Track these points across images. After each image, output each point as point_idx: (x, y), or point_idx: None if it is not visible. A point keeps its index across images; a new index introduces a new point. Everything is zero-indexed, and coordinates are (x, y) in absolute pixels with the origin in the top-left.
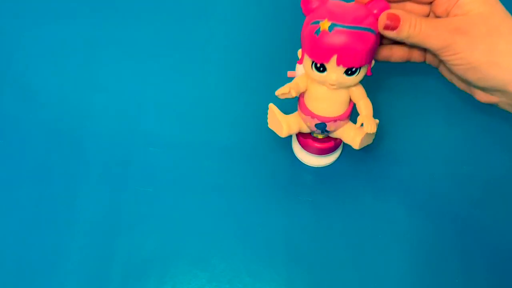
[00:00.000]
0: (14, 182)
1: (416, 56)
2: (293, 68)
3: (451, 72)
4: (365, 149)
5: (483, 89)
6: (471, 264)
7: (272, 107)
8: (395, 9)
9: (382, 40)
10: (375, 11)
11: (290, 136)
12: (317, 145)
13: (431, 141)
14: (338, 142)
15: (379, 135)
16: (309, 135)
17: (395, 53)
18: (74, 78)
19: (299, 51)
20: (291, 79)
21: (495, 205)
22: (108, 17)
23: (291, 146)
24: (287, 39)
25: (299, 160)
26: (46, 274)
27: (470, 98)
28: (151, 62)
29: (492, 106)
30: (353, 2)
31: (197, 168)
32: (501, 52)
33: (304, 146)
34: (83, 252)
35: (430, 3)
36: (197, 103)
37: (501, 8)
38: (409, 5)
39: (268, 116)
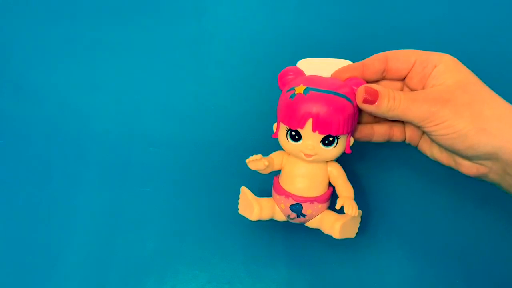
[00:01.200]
0: (14, 182)
1: (397, 134)
2: None
3: (432, 147)
4: (365, 148)
5: (471, 158)
6: (472, 265)
7: (244, 189)
8: (372, 84)
9: (363, 119)
10: (354, 88)
11: None
12: None
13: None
14: None
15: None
16: None
17: (377, 132)
18: (74, 78)
19: (274, 125)
20: None
21: (494, 210)
22: (108, 17)
23: None
24: (288, 38)
25: None
26: (45, 274)
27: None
28: (151, 62)
29: (480, 180)
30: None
31: (196, 168)
32: (487, 118)
33: None
34: (83, 252)
35: (403, 79)
36: (197, 103)
37: (475, 77)
38: (382, 83)
39: (240, 200)
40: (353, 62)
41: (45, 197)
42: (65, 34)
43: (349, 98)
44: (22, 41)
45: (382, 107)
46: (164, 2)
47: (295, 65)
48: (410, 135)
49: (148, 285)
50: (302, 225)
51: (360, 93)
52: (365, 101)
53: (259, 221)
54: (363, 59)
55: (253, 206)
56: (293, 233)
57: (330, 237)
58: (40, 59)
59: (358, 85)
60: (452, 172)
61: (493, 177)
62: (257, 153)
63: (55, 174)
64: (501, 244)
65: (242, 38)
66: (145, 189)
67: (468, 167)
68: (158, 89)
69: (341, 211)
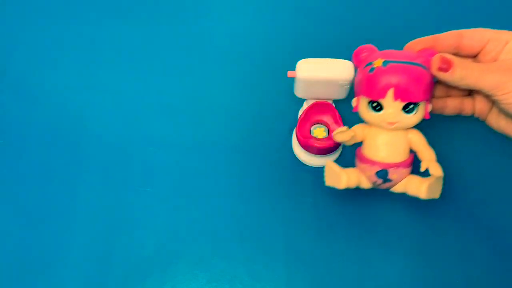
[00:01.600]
0: (14, 182)
1: (468, 107)
2: (293, 68)
3: (499, 119)
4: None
5: None
6: (471, 264)
7: (329, 162)
8: (446, 54)
9: (436, 92)
10: (429, 58)
11: (290, 136)
12: (317, 145)
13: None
14: (338, 142)
15: None
16: (310, 135)
17: (449, 105)
18: (74, 78)
19: (354, 100)
20: (290, 79)
21: (497, 204)
22: (108, 17)
23: (291, 146)
24: (288, 39)
25: (299, 160)
26: (46, 274)
27: None
28: (151, 62)
29: None
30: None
31: (196, 168)
32: None
33: (304, 146)
34: (83, 252)
35: (475, 56)
36: (197, 103)
37: None
38: None
39: (326, 173)
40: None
41: (45, 197)
42: (65, 34)
43: (426, 67)
44: (22, 42)
45: (455, 75)
46: (164, 2)
47: (295, 65)
48: (479, 108)
49: (148, 285)
50: (300, 225)
51: (435, 62)
52: (440, 69)
53: (257, 220)
54: None
55: (340, 176)
56: (293, 233)
57: (328, 237)
58: (40, 59)
59: (432, 55)
60: None
61: None
62: (256, 154)
63: (55, 174)
64: (503, 241)
65: (242, 38)
66: (145, 189)
67: None
68: (158, 89)
69: (423, 174)
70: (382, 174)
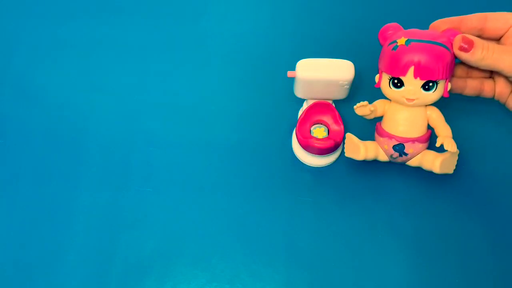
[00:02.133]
0: (14, 182)
1: (487, 89)
2: (293, 68)
3: None
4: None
5: None
6: (471, 264)
7: (349, 135)
8: (468, 34)
9: (457, 72)
10: (451, 38)
11: (290, 136)
12: (317, 145)
13: None
14: (338, 142)
15: None
16: (310, 135)
17: (469, 85)
18: (74, 78)
19: (377, 76)
20: (290, 79)
21: (498, 203)
22: (108, 17)
23: (291, 146)
24: (288, 39)
25: (299, 160)
26: (46, 273)
27: None
28: (151, 62)
29: None
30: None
31: (197, 168)
32: None
33: (304, 146)
34: (83, 252)
35: (498, 39)
36: (197, 103)
37: None
38: None
39: (346, 144)
40: (352, 62)
41: (45, 197)
42: (65, 34)
43: (447, 46)
44: (22, 42)
45: (476, 55)
46: (165, 2)
47: (295, 65)
48: (499, 91)
49: (148, 285)
50: (300, 225)
51: (457, 41)
52: (461, 48)
53: (257, 220)
54: (363, 59)
55: (359, 147)
56: (293, 233)
57: (328, 237)
58: (40, 59)
59: (455, 35)
60: None
61: None
62: (256, 154)
63: (55, 174)
64: (504, 240)
65: (242, 38)
66: (145, 189)
67: None
68: (158, 89)
69: (439, 150)
70: (399, 148)
